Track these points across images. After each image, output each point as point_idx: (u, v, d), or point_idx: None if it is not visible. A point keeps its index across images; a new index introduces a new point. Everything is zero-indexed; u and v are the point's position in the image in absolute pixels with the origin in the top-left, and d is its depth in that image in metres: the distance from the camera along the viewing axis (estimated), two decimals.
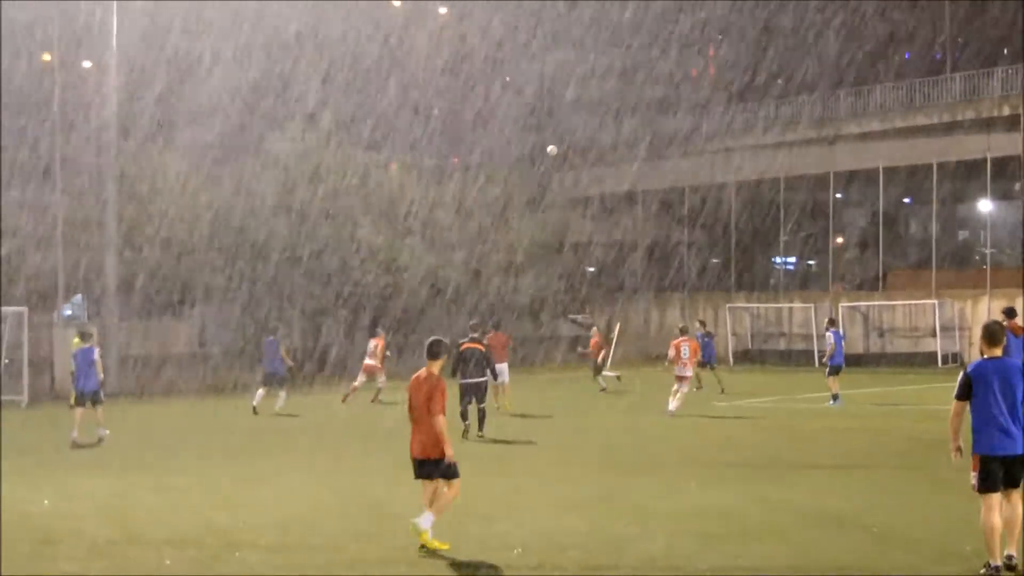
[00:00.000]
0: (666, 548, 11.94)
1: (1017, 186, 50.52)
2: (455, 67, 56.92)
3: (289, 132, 45.56)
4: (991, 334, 10.78)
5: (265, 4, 47.87)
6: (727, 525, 13.09)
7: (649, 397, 33.21)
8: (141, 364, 39.95)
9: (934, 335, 47.57)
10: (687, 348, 27.43)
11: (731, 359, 50.10)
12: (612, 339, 49.67)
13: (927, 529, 12.76)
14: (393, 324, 43.38)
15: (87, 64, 46.48)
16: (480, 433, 22.54)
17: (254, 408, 28.35)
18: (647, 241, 60.30)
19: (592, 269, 59.75)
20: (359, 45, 52.09)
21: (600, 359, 35.72)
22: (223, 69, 47.64)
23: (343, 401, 30.70)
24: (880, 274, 53.37)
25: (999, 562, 10.35)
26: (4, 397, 33.38)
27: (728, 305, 53.67)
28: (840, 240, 58.39)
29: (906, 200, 57.38)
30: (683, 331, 28.70)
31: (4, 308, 35.47)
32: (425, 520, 11.93)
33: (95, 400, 23.25)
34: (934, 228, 51.90)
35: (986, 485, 10.47)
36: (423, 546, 11.87)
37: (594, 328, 37.83)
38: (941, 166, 50.13)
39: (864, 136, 52.17)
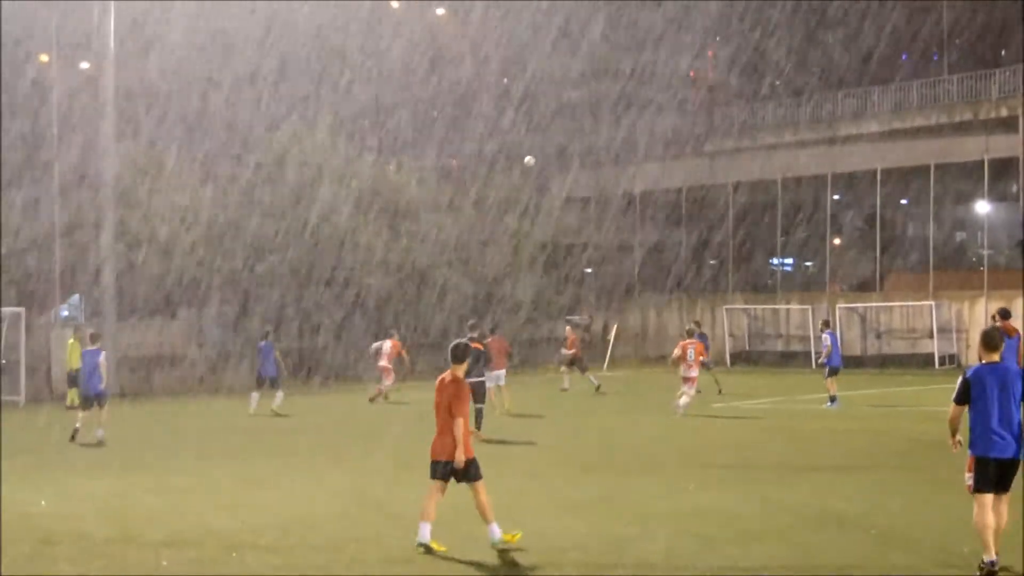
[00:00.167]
0: (666, 549, 11.95)
1: (1015, 188, 50.56)
2: (454, 68, 56.90)
3: (287, 133, 45.53)
4: (989, 340, 10.98)
5: (264, 4, 47.85)
6: (727, 526, 13.09)
7: (648, 398, 33.27)
8: (139, 365, 39.93)
9: (931, 336, 47.56)
10: (693, 350, 27.39)
11: (728, 360, 50.10)
12: (609, 340, 49.77)
13: (926, 530, 12.77)
14: (392, 325, 43.39)
15: (85, 65, 46.43)
16: (478, 431, 22.57)
17: (251, 413, 28.38)
18: (645, 242, 60.30)
19: (590, 270, 59.77)
20: (358, 46, 52.08)
21: (577, 357, 35.60)
22: (221, 69, 47.63)
23: (371, 401, 31.28)
24: (877, 275, 53.39)
25: (994, 557, 10.48)
26: (2, 397, 33.38)
27: (725, 306, 53.66)
28: (838, 241, 58.39)
29: (903, 201, 57.41)
30: (690, 332, 28.71)
31: (2, 309, 35.44)
32: (494, 532, 11.99)
33: (100, 402, 23.26)
34: (932, 229, 51.91)
35: (979, 486, 10.65)
36: (424, 547, 11.86)
37: (568, 327, 37.58)
38: (939, 167, 50.16)
39: (862, 137, 52.17)
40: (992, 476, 10.58)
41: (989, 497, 10.57)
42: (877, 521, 13.30)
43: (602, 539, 12.44)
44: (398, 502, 15.17)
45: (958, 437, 10.91)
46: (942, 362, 46.37)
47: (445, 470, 12.15)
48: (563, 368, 35.72)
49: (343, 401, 33.91)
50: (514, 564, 11.44)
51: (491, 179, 50.98)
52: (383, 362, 32.29)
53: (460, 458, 12.01)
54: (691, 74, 65.48)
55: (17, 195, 42.57)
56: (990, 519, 10.51)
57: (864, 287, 54.77)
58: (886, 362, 47.26)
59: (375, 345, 33.56)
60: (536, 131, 60.38)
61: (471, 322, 25.40)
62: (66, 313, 38.66)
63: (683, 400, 26.87)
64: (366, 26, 52.80)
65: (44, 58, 44.81)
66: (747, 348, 52.85)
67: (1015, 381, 10.64)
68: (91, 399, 23.31)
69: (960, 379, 10.85)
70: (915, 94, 51.03)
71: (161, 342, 42.76)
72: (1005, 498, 10.73)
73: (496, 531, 11.99)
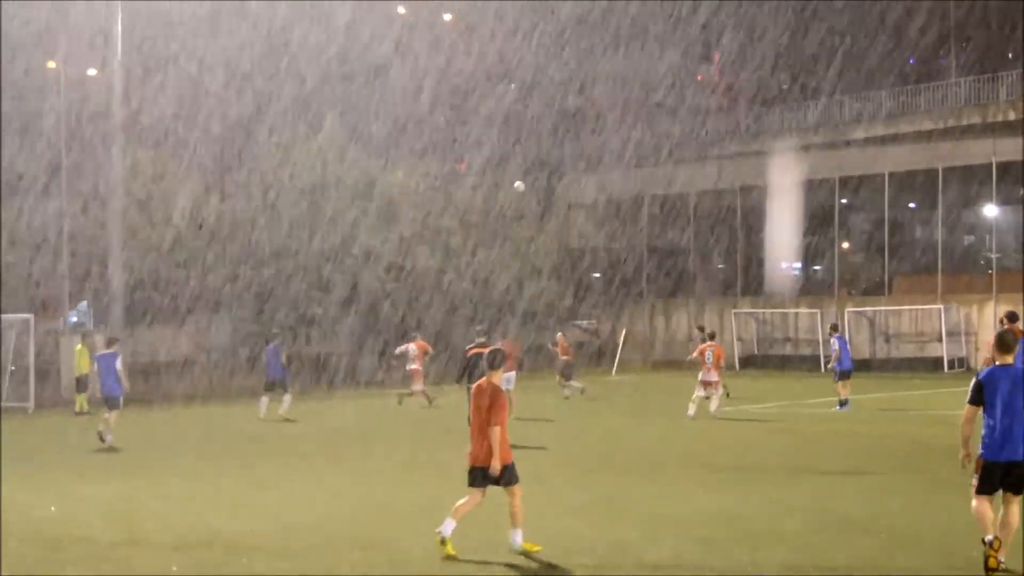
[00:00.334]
0: (671, 552, 11.93)
1: (1022, 191, 50.48)
2: (461, 73, 56.93)
3: (294, 138, 45.60)
4: (1003, 342, 11.01)
5: (270, 8, 47.93)
6: (732, 529, 13.07)
7: (655, 402, 33.26)
8: (146, 371, 39.99)
9: (940, 340, 47.50)
10: (711, 353, 27.34)
11: (737, 364, 50.10)
12: (617, 344, 49.76)
13: (934, 534, 12.74)
14: (399, 331, 43.43)
15: (92, 72, 46.56)
16: None
17: (261, 417, 28.43)
18: (653, 247, 60.27)
19: (598, 275, 59.76)
20: (365, 50, 52.13)
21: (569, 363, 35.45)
22: (227, 75, 47.69)
23: (430, 405, 31.15)
24: (886, 279, 53.34)
25: (991, 536, 10.52)
26: (10, 404, 33.45)
27: (734, 310, 53.63)
28: (846, 245, 58.34)
29: (912, 205, 57.33)
30: (711, 336, 28.72)
31: (11, 315, 35.51)
32: (516, 536, 11.99)
33: (112, 405, 23.32)
34: (940, 233, 51.85)
35: (984, 488, 10.70)
36: (442, 541, 11.90)
37: (559, 334, 37.45)
38: (947, 171, 50.11)
39: (870, 141, 52.12)
40: (997, 480, 10.62)
41: (988, 497, 10.66)
42: (884, 524, 13.27)
43: (607, 542, 12.42)
44: (404, 505, 15.19)
45: (969, 451, 10.86)
46: (951, 365, 46.30)
47: (483, 476, 12.16)
48: (558, 378, 35.49)
49: (349, 405, 33.93)
50: (520, 567, 11.43)
51: (499, 184, 50.97)
52: (414, 365, 32.16)
53: (496, 466, 12.02)
54: (699, 77, 65.48)
55: (25, 201, 42.68)
56: (986, 508, 10.62)
57: (872, 291, 54.70)
58: (895, 366, 47.23)
59: (400, 348, 33.40)
60: (543, 135, 60.39)
61: (479, 327, 25.42)
62: (74, 319, 38.65)
63: (713, 405, 26.91)
64: (374, 31, 52.84)
65: (51, 64, 44.91)
66: (756, 352, 52.81)
67: None
68: (111, 401, 23.38)
69: (973, 380, 10.90)
70: (922, 97, 50.98)
71: (169, 348, 42.85)
72: (1017, 500, 10.69)
73: (519, 538, 11.99)
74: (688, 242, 59.15)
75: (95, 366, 24.25)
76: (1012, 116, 47.48)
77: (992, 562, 10.46)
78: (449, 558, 11.74)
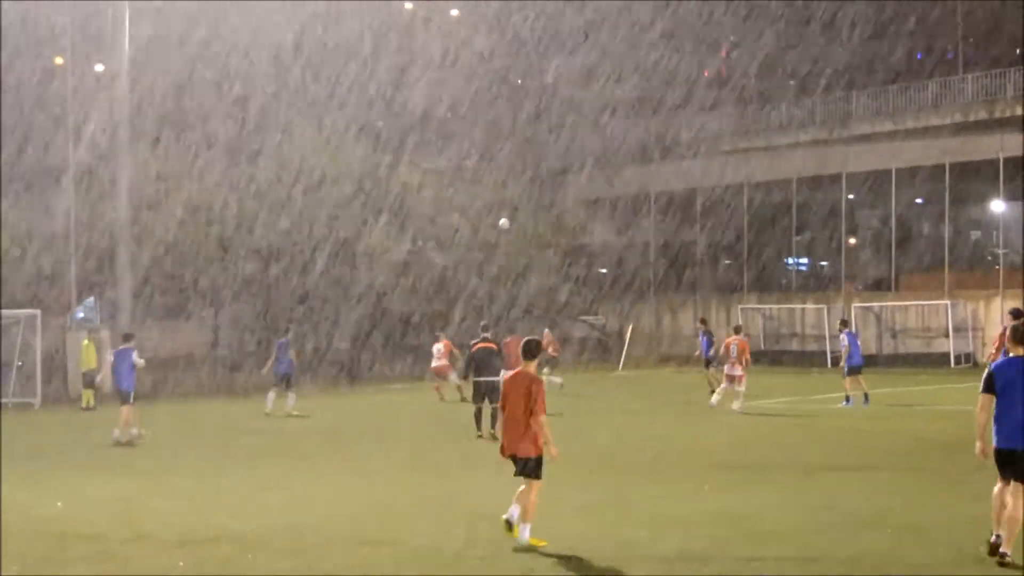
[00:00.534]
0: (677, 551, 11.91)
1: None
2: (467, 69, 56.90)
3: (300, 133, 45.61)
4: (1017, 334, 11.21)
5: (275, 4, 47.92)
6: (738, 527, 13.05)
7: (661, 398, 33.25)
8: (153, 367, 40.01)
9: (947, 336, 47.43)
10: (735, 347, 27.42)
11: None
12: (624, 340, 49.74)
13: (942, 530, 12.70)
14: (403, 326, 43.52)
15: (99, 67, 46.59)
16: (492, 431, 22.61)
17: (267, 412, 28.46)
18: (659, 242, 60.20)
19: (604, 271, 59.71)
20: (370, 46, 52.12)
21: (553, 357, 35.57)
22: (234, 70, 47.69)
23: (441, 400, 31.70)
24: (893, 275, 53.24)
25: (996, 534, 10.88)
26: (17, 399, 33.51)
27: (740, 306, 53.57)
28: (853, 241, 58.24)
29: (918, 201, 57.22)
30: (737, 330, 28.81)
31: (18, 311, 35.58)
32: (525, 531, 12.09)
33: (124, 400, 23.38)
34: (947, 229, 51.74)
35: (1001, 473, 11.00)
36: (510, 529, 12.18)
37: (546, 330, 37.46)
38: (954, 166, 49.99)
39: (877, 137, 52.02)
40: (1008, 466, 10.85)
41: (1008, 484, 10.86)
42: (890, 520, 13.23)
43: (612, 541, 12.40)
44: (409, 504, 15.18)
45: (983, 443, 11.07)
46: (958, 361, 46.25)
47: (520, 465, 12.31)
48: (545, 371, 35.56)
49: (355, 402, 33.97)
50: (524, 566, 11.42)
51: (506, 180, 50.97)
52: (441, 361, 32.76)
53: (554, 452, 12.32)
54: (705, 73, 65.36)
55: (32, 198, 42.72)
56: (1000, 499, 10.90)
57: (879, 286, 54.62)
58: (901, 361, 47.15)
59: (436, 347, 34.11)
60: (550, 131, 60.37)
61: (483, 323, 25.44)
62: (81, 315, 38.78)
63: (736, 402, 26.99)
64: (380, 26, 52.83)
65: (59, 60, 44.97)
66: (762, 348, 52.71)
67: None
68: (126, 395, 23.45)
69: (987, 370, 11.19)
70: (930, 93, 50.87)
71: (176, 344, 42.91)
72: (1020, 488, 10.80)
73: (527, 532, 12.03)
74: (695, 237, 59.06)
75: (111, 361, 24.34)
76: (1020, 112, 47.36)
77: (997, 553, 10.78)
78: (533, 548, 11.94)
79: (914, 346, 49.18)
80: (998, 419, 10.90)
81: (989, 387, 10.98)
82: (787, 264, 59.90)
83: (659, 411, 29.28)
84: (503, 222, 30.64)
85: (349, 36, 50.52)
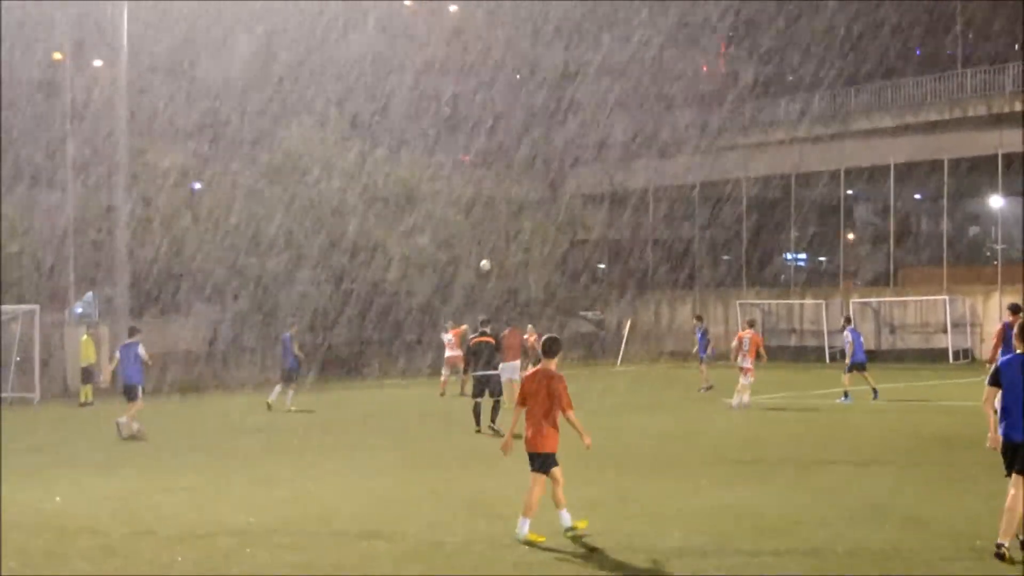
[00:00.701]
0: (679, 547, 11.91)
1: None
2: (466, 64, 56.91)
3: (299, 128, 45.59)
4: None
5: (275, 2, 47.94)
6: (740, 522, 13.05)
7: (660, 394, 33.26)
8: (151, 362, 39.96)
9: (945, 331, 47.47)
10: (748, 340, 27.51)
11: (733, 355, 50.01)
12: (623, 335, 49.74)
13: (941, 525, 12.71)
14: (403, 321, 43.48)
15: (98, 63, 46.55)
16: (492, 425, 22.63)
17: (268, 404, 28.51)
18: (658, 238, 60.25)
19: (603, 266, 59.73)
20: (370, 42, 52.10)
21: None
22: (232, 65, 47.68)
23: (441, 395, 31.82)
24: (891, 270, 53.29)
25: (999, 540, 10.93)
26: (16, 394, 33.52)
27: (739, 301, 53.60)
28: (851, 236, 58.29)
29: (917, 196, 57.30)
30: (751, 324, 28.88)
31: (16, 306, 35.58)
32: (524, 526, 12.12)
33: (133, 393, 23.45)
34: (945, 224, 51.79)
35: (1006, 468, 11.11)
36: (571, 531, 12.24)
37: (529, 326, 37.48)
38: (952, 162, 50.03)
39: (875, 132, 52.06)
40: (1011, 458, 11.00)
41: (1015, 479, 10.97)
42: (892, 517, 13.24)
43: (614, 537, 12.39)
44: (409, 499, 15.19)
45: (995, 433, 11.25)
46: (956, 356, 46.29)
47: (542, 463, 12.34)
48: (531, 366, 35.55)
49: (354, 398, 33.98)
50: (526, 562, 11.42)
51: (505, 175, 50.98)
52: (456, 352, 32.74)
53: (588, 441, 12.44)
54: (704, 68, 65.38)
55: (31, 193, 42.69)
56: (1009, 503, 10.96)
57: (878, 282, 54.66)
58: (899, 357, 47.19)
59: (447, 337, 34.19)
60: (549, 126, 60.37)
61: (483, 318, 25.46)
62: (80, 310, 38.77)
63: (744, 398, 27.03)
64: (379, 23, 52.82)
65: (58, 55, 44.93)
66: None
67: None
68: (131, 389, 23.49)
69: (994, 365, 11.51)
70: (928, 88, 50.88)
71: (174, 339, 42.89)
72: (1020, 480, 10.93)
73: (526, 528, 12.08)
74: (694, 233, 59.10)
75: (117, 356, 24.37)
76: (1018, 107, 47.39)
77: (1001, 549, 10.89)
78: (576, 532, 12.19)
79: (912, 342, 49.21)
80: (1004, 412, 11.05)
81: (995, 381, 11.21)
82: (786, 259, 59.98)
83: (658, 406, 29.29)
84: (484, 263, 30.60)
85: (347, 30, 50.49)
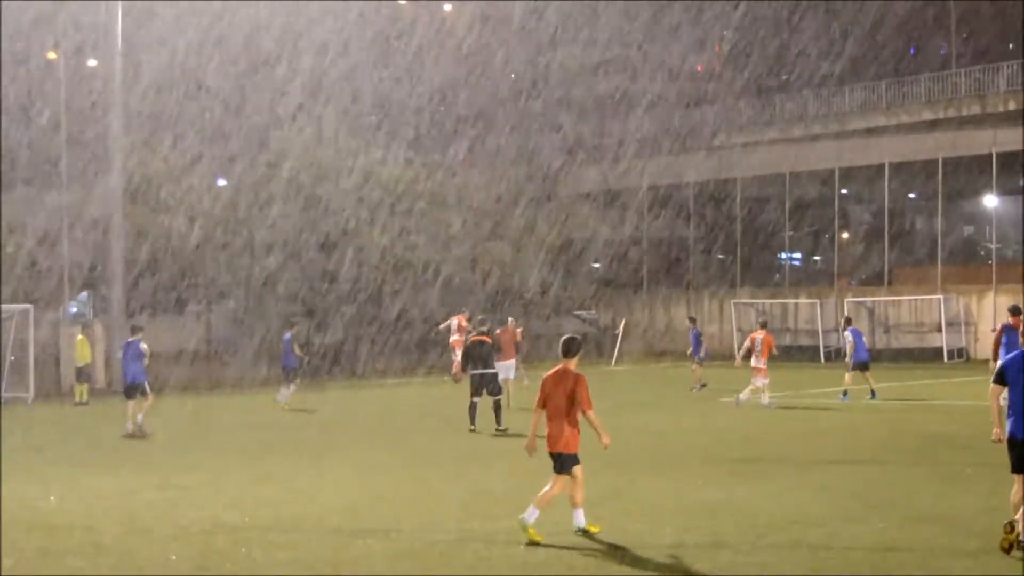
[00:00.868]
0: (676, 544, 11.91)
1: (1022, 181, 50.45)
2: (461, 63, 56.90)
3: (294, 128, 45.56)
4: None
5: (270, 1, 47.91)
6: (736, 519, 13.06)
7: (655, 393, 33.28)
8: (149, 360, 39.92)
9: (939, 330, 47.49)
10: (760, 341, 27.52)
11: (736, 355, 50.05)
12: (618, 334, 49.73)
13: (939, 525, 12.71)
14: (399, 319, 43.48)
15: (93, 63, 46.51)
16: (499, 427, 22.59)
17: (285, 405, 28.61)
18: (653, 237, 60.26)
19: (597, 265, 59.74)
20: (364, 42, 52.09)
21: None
22: (229, 66, 47.66)
23: (456, 382, 31.18)
24: (886, 269, 53.32)
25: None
26: (10, 394, 33.47)
27: (733, 300, 53.58)
28: (846, 235, 58.33)
29: (912, 195, 57.33)
30: (763, 324, 28.92)
31: (11, 305, 35.53)
32: (532, 515, 12.11)
33: (141, 391, 23.46)
34: (940, 223, 51.85)
35: (1013, 465, 11.13)
36: (583, 532, 12.22)
37: (510, 319, 37.46)
38: (947, 161, 50.08)
39: (870, 131, 52.09)
40: (1018, 455, 11.05)
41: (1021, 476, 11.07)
42: (887, 513, 13.24)
43: (610, 536, 12.39)
44: (405, 496, 15.19)
45: (999, 428, 11.36)
46: (950, 356, 46.31)
47: (562, 463, 12.43)
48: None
49: (350, 397, 33.97)
50: (522, 560, 11.42)
51: (499, 174, 50.97)
52: (457, 336, 32.84)
53: (607, 441, 12.60)
54: (699, 68, 65.42)
55: (25, 192, 42.65)
56: (1017, 498, 11.03)
57: (872, 281, 54.70)
58: (894, 356, 47.19)
59: (445, 324, 34.16)
60: (544, 126, 60.38)
61: (480, 318, 25.49)
62: (75, 310, 38.73)
63: (764, 397, 27.06)
64: (374, 23, 52.80)
65: (52, 55, 44.90)
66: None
67: None
68: (133, 389, 23.50)
69: (999, 364, 11.68)
70: (923, 87, 50.92)
71: (169, 339, 42.87)
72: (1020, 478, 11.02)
73: (533, 517, 12.08)
74: (688, 232, 59.13)
75: (119, 355, 24.43)
76: (1012, 106, 47.45)
77: (1003, 543, 10.86)
78: (588, 534, 12.16)
79: (907, 341, 49.24)
80: (1011, 409, 11.13)
81: (998, 378, 11.35)
82: (780, 259, 59.98)
83: (654, 405, 29.31)
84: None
85: (342, 30, 50.47)
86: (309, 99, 48.77)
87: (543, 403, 12.59)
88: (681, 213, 59.46)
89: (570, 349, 12.72)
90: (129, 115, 41.24)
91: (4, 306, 35.25)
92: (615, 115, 60.81)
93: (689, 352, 34.26)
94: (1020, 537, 10.88)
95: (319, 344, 42.86)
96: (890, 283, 52.60)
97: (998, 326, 24.21)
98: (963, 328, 47.81)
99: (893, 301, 50.34)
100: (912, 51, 58.95)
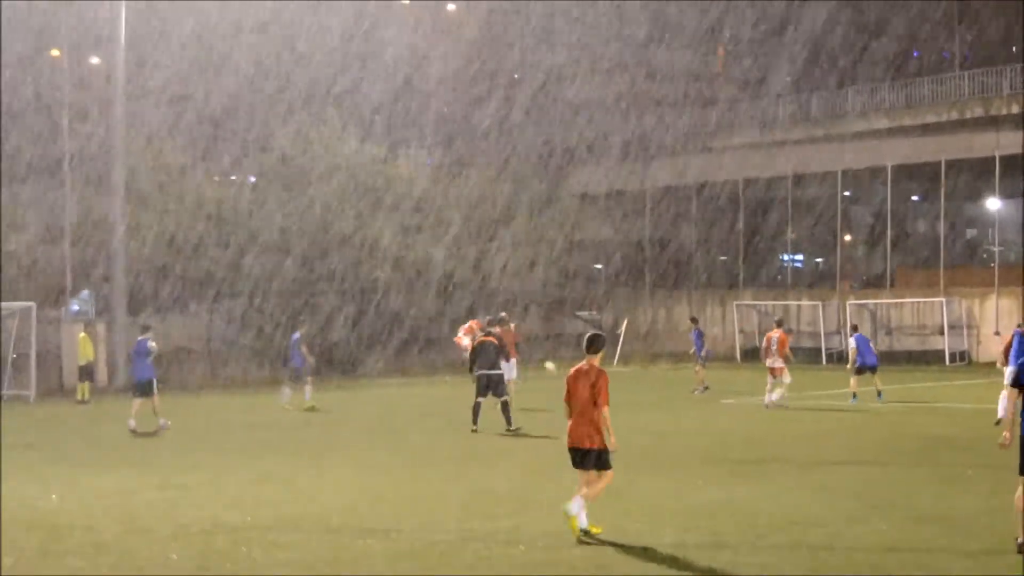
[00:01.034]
0: (676, 546, 11.91)
1: None
2: (465, 64, 56.89)
3: (298, 128, 45.55)
4: None
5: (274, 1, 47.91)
6: (737, 520, 13.06)
7: (656, 394, 33.25)
8: (153, 358, 39.92)
9: (942, 333, 47.44)
10: (776, 340, 27.53)
11: (739, 356, 50.08)
12: (619, 335, 49.71)
13: (940, 526, 12.71)
14: (403, 320, 43.45)
15: (95, 60, 46.51)
16: (510, 428, 22.55)
17: (287, 405, 28.62)
18: (655, 238, 60.25)
19: (600, 266, 59.71)
20: (369, 42, 52.09)
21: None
22: (232, 65, 47.66)
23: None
24: (888, 272, 53.29)
25: (1021, 539, 10.96)
26: (12, 392, 33.47)
27: (736, 302, 53.56)
28: (848, 238, 58.30)
29: (914, 198, 57.31)
30: (779, 323, 28.91)
31: (13, 303, 35.52)
32: (575, 505, 12.13)
33: (149, 389, 23.52)
34: (942, 226, 51.82)
35: (1021, 467, 11.09)
36: (586, 532, 12.10)
37: (502, 314, 37.36)
38: (950, 164, 50.05)
39: (873, 134, 52.07)
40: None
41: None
42: (888, 514, 13.24)
43: (611, 536, 12.38)
44: (406, 496, 15.18)
45: (1007, 433, 11.35)
46: (953, 359, 46.25)
47: (577, 459, 12.49)
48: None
49: (352, 397, 33.95)
50: (522, 560, 11.41)
51: (502, 174, 50.95)
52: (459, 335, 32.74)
53: (613, 441, 12.47)
54: (701, 68, 65.39)
55: (28, 191, 42.65)
56: (1017, 503, 11.03)
57: (874, 283, 54.67)
58: (896, 358, 47.09)
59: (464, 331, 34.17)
60: (547, 127, 60.37)
61: (488, 318, 25.54)
62: (77, 308, 38.73)
63: (775, 396, 27.06)
64: (378, 19, 52.80)
65: (55, 53, 44.91)
66: (758, 344, 52.64)
67: None
68: (142, 386, 23.56)
69: (1012, 367, 12.17)
70: (926, 90, 50.90)
71: (171, 337, 42.86)
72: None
73: (576, 506, 12.10)
74: (691, 233, 59.10)
75: (126, 353, 24.56)
76: (1015, 109, 47.40)
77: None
78: (589, 534, 12.11)
79: (909, 343, 49.17)
80: (1021, 412, 11.20)
81: (1013, 381, 11.58)
82: (782, 260, 59.96)
83: (656, 406, 29.26)
84: (550, 366, 29.81)
85: (347, 30, 50.48)
86: (311, 98, 48.75)
87: (569, 399, 12.72)
88: (683, 214, 59.43)
89: (593, 344, 12.88)
90: (131, 113, 41.21)
91: (5, 304, 35.25)
92: (617, 116, 60.77)
93: (692, 352, 34.22)
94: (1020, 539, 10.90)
95: (319, 344, 42.86)
96: (892, 285, 52.57)
97: (1001, 330, 24.27)
98: (965, 331, 47.75)
99: (895, 303, 50.29)
100: (915, 53, 58.92)
